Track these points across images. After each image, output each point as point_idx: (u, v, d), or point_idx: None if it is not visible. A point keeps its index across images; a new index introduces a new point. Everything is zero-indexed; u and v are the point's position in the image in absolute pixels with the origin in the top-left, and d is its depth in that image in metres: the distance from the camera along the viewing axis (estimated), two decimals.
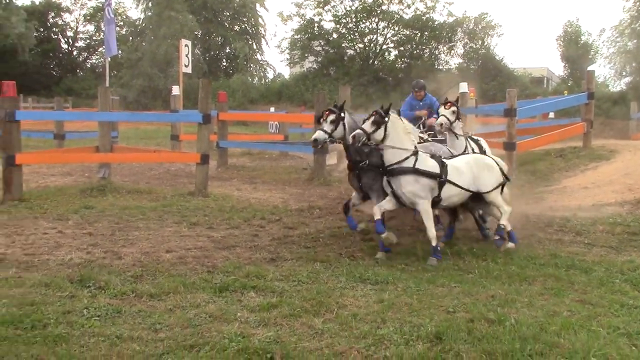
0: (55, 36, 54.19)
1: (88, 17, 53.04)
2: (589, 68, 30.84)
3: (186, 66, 17.43)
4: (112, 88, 13.57)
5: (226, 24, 50.71)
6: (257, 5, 49.87)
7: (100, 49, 50.89)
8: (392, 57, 45.66)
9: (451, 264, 6.62)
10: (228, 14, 50.50)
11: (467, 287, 5.80)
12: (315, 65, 44.96)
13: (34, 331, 4.59)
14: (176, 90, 17.30)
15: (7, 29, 41.58)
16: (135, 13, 62.52)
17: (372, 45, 44.95)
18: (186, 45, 17.46)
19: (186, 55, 17.37)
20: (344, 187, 11.88)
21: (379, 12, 43.48)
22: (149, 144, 20.81)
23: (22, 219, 8.37)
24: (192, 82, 35.52)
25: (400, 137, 6.74)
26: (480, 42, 43.22)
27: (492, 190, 7.12)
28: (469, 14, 44.67)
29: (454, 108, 8.13)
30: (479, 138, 8.86)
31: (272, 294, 5.52)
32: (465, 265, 6.60)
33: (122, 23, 53.03)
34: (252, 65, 49.98)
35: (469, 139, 8.48)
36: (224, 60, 51.41)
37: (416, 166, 6.68)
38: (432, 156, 6.99)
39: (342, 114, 7.06)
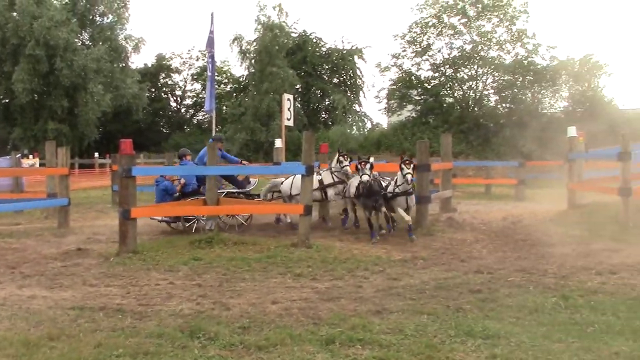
0: (165, 95, 57.73)
1: (195, 77, 56.11)
2: None
3: (288, 119, 17.95)
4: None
5: (325, 77, 51.96)
6: (355, 57, 50.85)
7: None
8: (492, 102, 44.95)
9: (567, 318, 6.23)
10: (327, 67, 51.75)
11: (586, 343, 5.42)
12: (413, 114, 44.88)
13: None
14: (279, 143, 17.76)
15: (123, 90, 44.72)
16: (239, 70, 65.32)
17: (471, 91, 44.47)
18: (288, 99, 18.01)
19: (288, 109, 17.90)
20: (447, 237, 11.65)
21: (477, 58, 42.97)
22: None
23: (136, 270, 8.77)
24: (292, 134, 36.42)
25: None
26: (586, 84, 41.58)
27: None
28: (572, 56, 43.02)
29: None
30: None
31: (379, 347, 5.39)
32: (583, 319, 6.18)
33: (226, 80, 55.66)
34: (350, 116, 50.72)
35: None
36: (323, 112, 52.48)
37: None
38: None
39: None
